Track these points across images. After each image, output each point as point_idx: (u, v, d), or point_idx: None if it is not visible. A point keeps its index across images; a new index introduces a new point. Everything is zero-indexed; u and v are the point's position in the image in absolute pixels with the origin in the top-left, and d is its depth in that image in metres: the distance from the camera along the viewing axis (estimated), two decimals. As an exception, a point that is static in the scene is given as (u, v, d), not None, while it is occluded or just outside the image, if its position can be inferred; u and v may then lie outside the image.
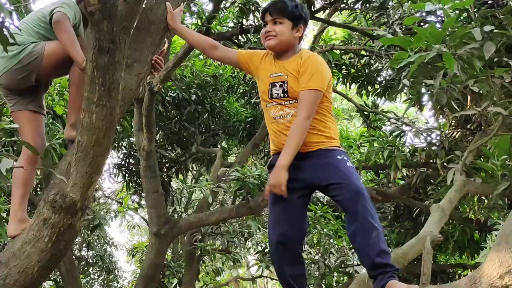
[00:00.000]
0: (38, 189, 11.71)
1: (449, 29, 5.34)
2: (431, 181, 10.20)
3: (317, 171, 4.21)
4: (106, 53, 3.76)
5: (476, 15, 6.26)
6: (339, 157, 4.23)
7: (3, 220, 8.63)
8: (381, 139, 10.36)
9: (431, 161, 9.49)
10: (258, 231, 11.97)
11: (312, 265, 12.04)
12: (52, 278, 14.35)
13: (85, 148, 3.97)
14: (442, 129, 9.40)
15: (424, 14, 8.32)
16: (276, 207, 4.32)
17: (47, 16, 4.46)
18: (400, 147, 9.96)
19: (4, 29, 3.36)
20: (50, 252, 4.18)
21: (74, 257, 14.13)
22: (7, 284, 4.16)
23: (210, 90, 12.88)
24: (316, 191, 4.62)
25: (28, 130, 4.60)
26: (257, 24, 10.62)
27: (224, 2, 10.86)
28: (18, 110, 4.67)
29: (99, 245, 16.45)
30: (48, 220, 4.11)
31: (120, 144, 13.42)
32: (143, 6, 4.25)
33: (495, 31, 5.29)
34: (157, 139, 13.06)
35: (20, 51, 4.41)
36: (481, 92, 5.95)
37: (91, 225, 12.99)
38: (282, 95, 4.33)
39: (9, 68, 4.47)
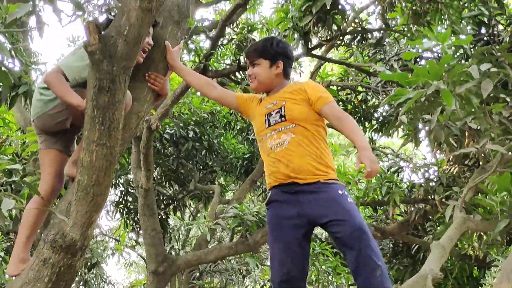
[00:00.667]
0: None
1: (446, 66, 5.37)
2: (430, 217, 10.21)
3: (318, 207, 4.17)
4: (106, 92, 3.78)
5: (473, 51, 6.30)
6: (340, 191, 4.20)
7: (1, 259, 8.58)
8: (379, 175, 10.36)
9: (429, 197, 9.50)
10: (256, 268, 11.92)
11: (311, 303, 11.98)
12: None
13: (85, 187, 3.97)
14: (439, 165, 9.42)
15: (420, 50, 8.38)
16: (278, 246, 4.28)
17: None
18: (398, 183, 9.96)
19: (3, 67, 3.38)
20: (49, 292, 4.14)
21: (71, 295, 14.01)
22: (5, 325, 4.13)
23: (208, 127, 12.91)
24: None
25: (49, 170, 4.59)
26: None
27: (221, 39, 10.92)
28: (45, 148, 4.66)
29: (96, 283, 16.33)
30: (48, 260, 4.09)
31: (117, 181, 13.40)
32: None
33: (492, 69, 5.31)
34: (155, 176, 13.05)
35: None
36: (479, 128, 5.96)
37: (89, 264, 12.92)
38: (279, 119, 4.35)
39: (45, 112, 4.47)
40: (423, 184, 9.50)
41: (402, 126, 7.71)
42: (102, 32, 3.76)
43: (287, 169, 4.25)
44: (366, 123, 12.30)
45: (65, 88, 4.32)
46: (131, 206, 13.61)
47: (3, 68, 3.39)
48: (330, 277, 11.15)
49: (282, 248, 4.26)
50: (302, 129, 4.30)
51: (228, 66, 10.89)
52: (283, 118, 4.34)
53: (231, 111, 13.15)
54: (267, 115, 4.43)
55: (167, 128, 12.35)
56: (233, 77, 10.85)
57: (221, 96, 4.78)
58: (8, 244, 11.73)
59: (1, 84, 4.06)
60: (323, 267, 10.87)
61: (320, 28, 9.88)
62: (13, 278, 4.42)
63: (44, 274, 4.12)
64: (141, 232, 12.50)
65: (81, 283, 15.68)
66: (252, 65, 4.50)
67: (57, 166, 4.66)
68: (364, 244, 3.98)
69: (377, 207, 11.69)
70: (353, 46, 11.39)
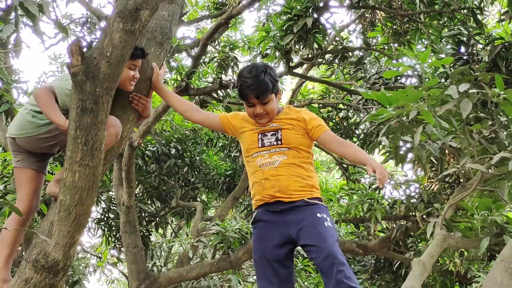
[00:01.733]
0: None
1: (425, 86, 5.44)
2: (411, 233, 10.24)
3: (298, 228, 4.21)
4: (89, 113, 3.80)
5: (452, 70, 6.37)
6: (319, 215, 4.23)
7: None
8: (360, 192, 10.40)
9: (411, 213, 9.54)
10: (239, 285, 11.91)
11: (294, 319, 11.95)
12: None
13: (67, 207, 3.97)
14: (420, 182, 9.48)
15: (400, 68, 8.46)
16: (264, 264, 4.32)
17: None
18: (379, 200, 10.00)
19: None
20: (31, 312, 4.14)
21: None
22: None
23: (190, 144, 12.94)
24: None
25: (27, 190, 4.59)
26: (235, 79, 10.72)
27: (203, 57, 10.97)
28: (22, 167, 4.67)
29: (77, 301, 16.22)
30: (30, 280, 4.08)
31: (99, 198, 13.38)
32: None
33: (470, 91, 5.39)
34: (137, 193, 13.04)
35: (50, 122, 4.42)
36: (459, 147, 6.03)
37: (70, 281, 12.85)
38: (275, 142, 4.37)
39: (34, 135, 4.49)
40: (404, 201, 9.54)
41: (384, 144, 7.79)
42: (85, 54, 3.79)
43: (273, 188, 4.30)
44: (348, 140, 12.37)
45: (53, 106, 4.34)
46: (113, 223, 13.58)
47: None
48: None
49: (268, 267, 4.30)
50: (295, 153, 4.35)
51: (210, 84, 10.93)
52: (279, 142, 4.37)
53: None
54: (261, 134, 4.44)
55: (149, 145, 12.37)
56: (215, 95, 10.89)
57: (204, 119, 4.76)
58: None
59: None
60: (306, 283, 10.90)
61: (301, 47, 9.97)
62: (-5, 298, 4.42)
63: (26, 294, 4.12)
64: (123, 249, 12.48)
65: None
66: (262, 104, 4.40)
67: (35, 185, 4.68)
68: (338, 270, 4.00)
69: (359, 223, 11.74)
70: (334, 64, 11.48)
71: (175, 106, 4.88)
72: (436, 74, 8.50)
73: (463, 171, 6.61)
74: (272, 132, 4.41)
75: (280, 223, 4.26)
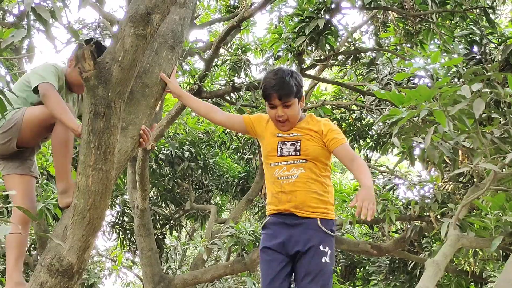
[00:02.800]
0: (32, 249, 11.68)
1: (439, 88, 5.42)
2: (425, 234, 10.21)
3: (299, 250, 4.28)
4: (101, 117, 3.82)
5: (465, 70, 6.36)
6: (322, 247, 4.26)
7: (-2, 282, 8.59)
8: (374, 193, 10.35)
9: (425, 214, 9.52)
10: (253, 287, 11.91)
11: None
12: None
13: (81, 211, 3.99)
14: (434, 182, 9.45)
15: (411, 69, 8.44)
16: (267, 270, 4.38)
17: (32, 83, 4.47)
18: (393, 201, 9.97)
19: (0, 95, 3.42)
20: (46, 316, 4.16)
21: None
22: None
23: (203, 147, 12.97)
24: None
25: (18, 194, 4.61)
26: (248, 81, 10.73)
27: (215, 60, 10.99)
28: (7, 174, 4.70)
29: (93, 304, 16.27)
30: (45, 283, 4.10)
31: (114, 202, 13.43)
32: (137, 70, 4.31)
33: (483, 90, 5.37)
34: (151, 196, 13.08)
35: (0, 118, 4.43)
36: (472, 146, 6.02)
37: (86, 284, 12.91)
38: (293, 153, 4.36)
39: None
40: (418, 201, 9.51)
41: (396, 145, 7.77)
42: (97, 59, 3.81)
43: (289, 203, 4.31)
44: (361, 141, 12.36)
45: (65, 108, 4.38)
46: (127, 227, 13.63)
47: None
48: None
49: (271, 274, 4.35)
50: (312, 165, 4.34)
51: (222, 87, 10.94)
52: (297, 153, 4.36)
53: (226, 131, 13.18)
54: (281, 143, 4.43)
55: (163, 149, 12.40)
56: (227, 98, 10.90)
57: (226, 120, 4.77)
58: (4, 266, 11.73)
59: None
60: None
61: (313, 49, 9.97)
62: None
63: (41, 298, 4.15)
64: (137, 252, 12.51)
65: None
66: (284, 106, 4.37)
67: (23, 188, 4.71)
68: None
69: (373, 224, 11.73)
70: (346, 65, 11.47)
71: (198, 109, 4.88)
72: (448, 74, 8.48)
73: (476, 171, 6.59)
74: (292, 142, 4.40)
75: (287, 235, 4.31)
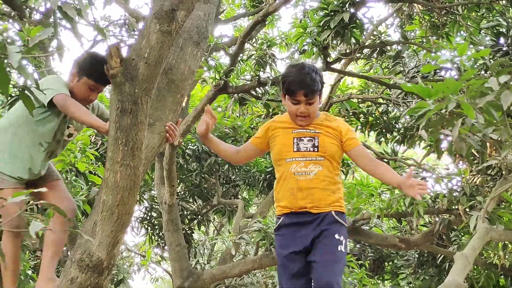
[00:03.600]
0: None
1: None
2: (454, 227, 10.16)
3: (315, 239, 4.28)
4: (128, 114, 3.85)
5: (492, 62, 6.31)
6: (337, 236, 4.27)
7: (28, 277, 8.68)
8: (402, 186, 10.29)
9: (453, 207, 9.46)
10: (281, 281, 11.92)
11: (337, 315, 11.95)
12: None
13: (110, 207, 4.04)
14: (462, 175, 9.39)
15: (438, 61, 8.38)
16: (285, 270, 4.40)
17: (46, 98, 4.47)
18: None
19: (27, 91, 3.45)
20: (77, 311, 4.22)
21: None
22: None
23: (230, 142, 12.97)
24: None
25: (53, 199, 4.65)
26: (274, 76, 10.73)
27: (241, 55, 11.00)
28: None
29: (122, 299, 16.40)
30: (75, 279, 4.16)
31: (142, 197, 13.51)
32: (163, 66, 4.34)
33: (511, 82, 5.33)
34: (178, 191, 13.13)
35: None
36: (500, 139, 5.97)
37: (115, 280, 13.01)
38: (311, 149, 4.33)
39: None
40: (446, 195, 9.45)
41: (424, 139, 7.75)
42: (124, 56, 3.84)
43: (305, 200, 4.30)
44: (388, 134, 12.31)
45: (86, 111, 4.46)
46: (156, 222, 13.70)
47: (25, 91, 3.46)
48: (355, 289, 11.16)
49: (288, 272, 4.37)
50: (329, 164, 4.34)
51: (248, 82, 10.95)
52: (315, 149, 4.33)
53: (252, 125, 13.19)
54: (296, 139, 4.38)
55: (190, 144, 12.44)
56: (253, 93, 10.91)
57: (247, 152, 4.69)
58: (35, 262, 11.86)
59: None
60: (349, 278, 10.87)
61: (339, 42, 9.94)
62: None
63: (72, 293, 4.20)
64: (166, 247, 12.58)
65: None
66: (307, 103, 4.33)
67: (57, 192, 4.79)
68: None
69: (401, 218, 11.69)
70: (372, 59, 11.43)
71: (222, 153, 4.84)
72: (475, 66, 8.42)
73: (504, 163, 6.55)
74: (309, 138, 4.37)
75: (302, 232, 4.31)
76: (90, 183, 7.98)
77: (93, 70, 4.61)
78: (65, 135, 4.81)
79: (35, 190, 3.40)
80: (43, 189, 3.61)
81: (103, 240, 4.10)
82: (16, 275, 4.70)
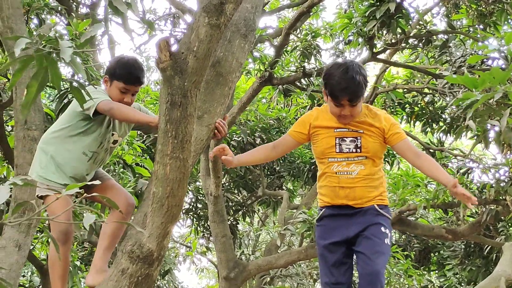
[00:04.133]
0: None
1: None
2: (502, 218, 10.06)
3: (359, 232, 4.29)
4: (178, 107, 3.88)
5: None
6: (383, 229, 4.28)
7: (77, 268, 8.82)
8: (448, 177, 10.21)
9: (501, 197, 9.37)
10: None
11: (383, 306, 11.94)
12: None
13: (160, 199, 4.08)
14: (510, 166, 9.29)
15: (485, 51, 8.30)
16: (325, 260, 4.42)
17: (90, 109, 4.54)
18: (468, 185, 9.84)
19: (76, 84, 3.51)
20: (128, 301, 4.28)
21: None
22: (87, 333, 4.28)
23: (274, 133, 13.00)
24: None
25: (110, 195, 4.70)
26: (319, 67, 10.72)
27: (285, 46, 11.00)
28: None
29: (168, 289, 16.57)
30: (126, 270, 4.21)
31: (187, 188, 13.60)
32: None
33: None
34: (223, 183, 13.20)
35: None
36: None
37: (162, 271, 13.13)
38: (354, 150, 4.31)
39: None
40: (493, 185, 9.37)
41: (471, 128, 7.67)
42: (173, 49, 3.88)
43: (347, 197, 4.31)
44: (434, 124, 12.22)
45: (132, 110, 4.56)
46: (201, 213, 13.80)
47: (76, 85, 3.52)
48: (401, 280, 11.12)
49: (327, 262, 4.39)
50: (371, 162, 4.32)
51: (293, 73, 10.95)
52: (358, 150, 4.30)
53: (296, 117, 13.18)
54: (339, 139, 4.35)
55: (234, 135, 12.49)
56: (298, 84, 10.91)
57: (283, 148, 4.71)
58: (83, 253, 12.04)
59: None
60: (394, 269, 10.85)
61: (384, 32, 9.89)
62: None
63: (122, 284, 4.25)
64: (211, 238, 12.67)
65: (154, 290, 15.89)
66: (352, 106, 4.25)
67: (113, 191, 4.87)
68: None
69: (448, 209, 11.60)
70: (418, 48, 11.34)
71: (260, 160, 4.88)
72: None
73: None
74: (352, 138, 4.32)
75: (343, 224, 4.32)
76: (137, 175, 8.07)
77: (121, 72, 4.70)
78: (110, 142, 4.88)
79: (90, 183, 3.46)
80: (97, 182, 3.67)
81: (153, 232, 4.15)
82: (65, 280, 4.77)
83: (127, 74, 4.66)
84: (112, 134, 4.86)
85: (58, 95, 7.08)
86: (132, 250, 4.19)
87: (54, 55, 3.37)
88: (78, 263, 9.19)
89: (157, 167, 4.06)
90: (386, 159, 13.48)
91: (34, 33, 4.58)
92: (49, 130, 4.84)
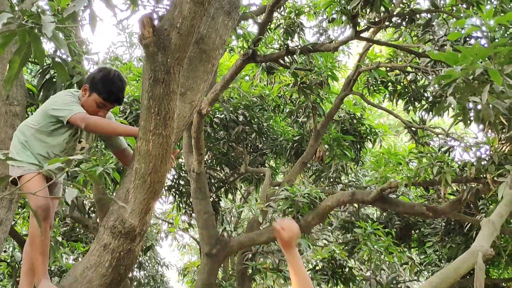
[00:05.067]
0: (91, 212, 11.94)
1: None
2: (482, 196, 10.14)
3: None
4: (161, 83, 3.89)
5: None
6: None
7: (58, 244, 8.83)
8: (430, 155, 10.30)
9: (481, 176, 9.44)
10: (308, 249, 12.00)
11: (364, 282, 12.05)
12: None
13: (142, 175, 4.09)
14: (491, 144, 9.35)
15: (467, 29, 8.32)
16: None
17: (63, 117, 4.59)
18: (449, 163, 9.90)
19: (59, 59, 3.50)
20: (110, 276, 4.29)
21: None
22: (70, 308, 4.29)
23: (257, 110, 13.01)
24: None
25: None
26: (302, 45, 10.71)
27: (269, 24, 10.98)
28: None
29: (150, 265, 16.61)
30: (108, 245, 4.23)
31: (169, 165, 13.57)
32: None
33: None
34: (206, 160, 13.21)
35: None
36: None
37: (144, 247, 13.16)
38: None
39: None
40: (474, 163, 9.43)
41: (452, 106, 7.71)
42: (156, 26, 3.87)
43: None
44: (416, 103, 12.27)
45: (111, 123, 4.74)
46: (183, 190, 13.81)
47: (58, 60, 3.51)
48: (382, 257, 11.20)
49: None
50: None
51: (276, 51, 10.95)
52: None
53: (280, 94, 13.17)
54: None
55: (217, 113, 12.49)
56: (281, 62, 10.91)
57: None
58: (65, 229, 12.06)
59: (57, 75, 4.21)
60: (375, 246, 10.92)
61: (368, 11, 9.88)
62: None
63: (104, 259, 4.27)
64: (193, 215, 12.70)
65: (136, 266, 15.96)
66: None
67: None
68: None
69: (429, 186, 11.67)
70: (401, 27, 11.35)
71: None
72: (506, 35, 8.35)
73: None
74: None
75: None
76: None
77: (103, 88, 4.73)
78: (76, 149, 4.87)
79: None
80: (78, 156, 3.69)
81: (136, 207, 4.17)
82: (46, 256, 4.75)
83: (108, 92, 4.70)
84: (80, 141, 4.86)
85: (40, 70, 7.04)
86: (114, 225, 4.22)
87: (37, 30, 3.37)
88: (60, 238, 9.20)
89: (139, 143, 4.08)
90: (368, 137, 13.55)
91: (16, 8, 4.56)
92: (25, 121, 4.85)
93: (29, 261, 4.74)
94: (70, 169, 4.07)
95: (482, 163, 9.27)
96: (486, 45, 7.96)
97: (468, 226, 11.51)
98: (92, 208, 12.03)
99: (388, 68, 12.02)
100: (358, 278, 12.32)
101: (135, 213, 4.18)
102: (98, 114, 4.72)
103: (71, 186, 3.70)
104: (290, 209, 10.21)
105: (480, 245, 5.65)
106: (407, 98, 12.28)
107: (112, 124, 4.67)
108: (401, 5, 10.85)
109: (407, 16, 10.66)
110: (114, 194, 4.75)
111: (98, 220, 10.79)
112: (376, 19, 10.37)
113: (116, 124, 4.73)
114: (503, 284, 12.82)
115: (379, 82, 12.20)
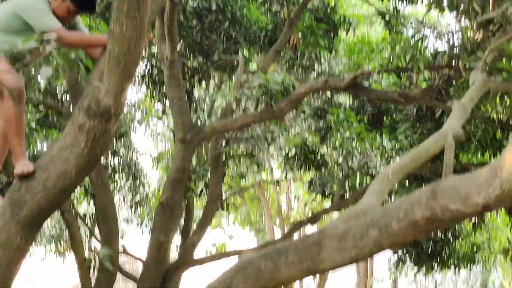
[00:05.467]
0: (64, 100, 11.94)
1: None
2: (453, 82, 10.22)
3: None
4: (134, -37, 3.85)
5: None
6: None
7: (32, 130, 8.87)
8: (403, 43, 10.30)
9: (453, 63, 9.48)
10: (281, 136, 12.13)
11: (336, 167, 12.27)
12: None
13: (116, 57, 4.11)
14: (464, 32, 9.37)
15: None
16: None
17: (37, 27, 4.59)
18: (422, 50, 9.92)
19: None
20: (86, 157, 4.37)
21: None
22: (46, 186, 4.37)
23: (231, -2, 12.86)
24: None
25: None
26: None
27: None
28: None
29: (124, 153, 16.69)
30: (84, 126, 4.29)
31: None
32: None
33: None
34: (179, 48, 13.12)
35: None
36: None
37: (118, 134, 13.21)
38: None
39: None
40: (447, 51, 9.46)
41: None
42: None
43: None
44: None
45: (84, 35, 4.91)
46: (157, 79, 13.77)
47: None
48: (354, 143, 11.36)
49: None
50: None
51: None
52: None
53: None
54: None
55: (190, 1, 12.33)
56: None
57: None
58: (39, 115, 12.04)
59: None
60: (347, 133, 11.06)
61: None
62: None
63: (80, 140, 4.34)
64: (167, 103, 12.73)
65: (110, 152, 16.04)
66: None
67: None
68: None
69: (401, 73, 11.72)
70: None
71: None
72: None
73: (505, 17, 6.54)
74: None
75: None
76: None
77: None
78: None
79: None
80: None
81: (110, 88, 4.20)
82: (21, 137, 4.77)
83: (84, 1, 4.76)
84: None
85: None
86: (89, 106, 4.26)
87: None
88: (33, 125, 9.22)
89: (113, 25, 4.07)
90: (342, 26, 13.49)
91: None
92: None
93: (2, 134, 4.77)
94: (43, 52, 4.07)
95: (455, 51, 9.30)
96: None
97: (440, 112, 11.62)
98: (65, 96, 12.00)
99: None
100: (330, 164, 12.53)
101: (110, 94, 4.22)
102: (67, 19, 4.73)
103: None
104: (264, 95, 10.24)
105: (450, 125, 5.69)
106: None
107: (85, 37, 4.79)
108: None
109: None
110: (88, 76, 4.76)
111: (72, 108, 10.81)
112: None
113: (88, 36, 4.84)
114: (472, 168, 13.08)
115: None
